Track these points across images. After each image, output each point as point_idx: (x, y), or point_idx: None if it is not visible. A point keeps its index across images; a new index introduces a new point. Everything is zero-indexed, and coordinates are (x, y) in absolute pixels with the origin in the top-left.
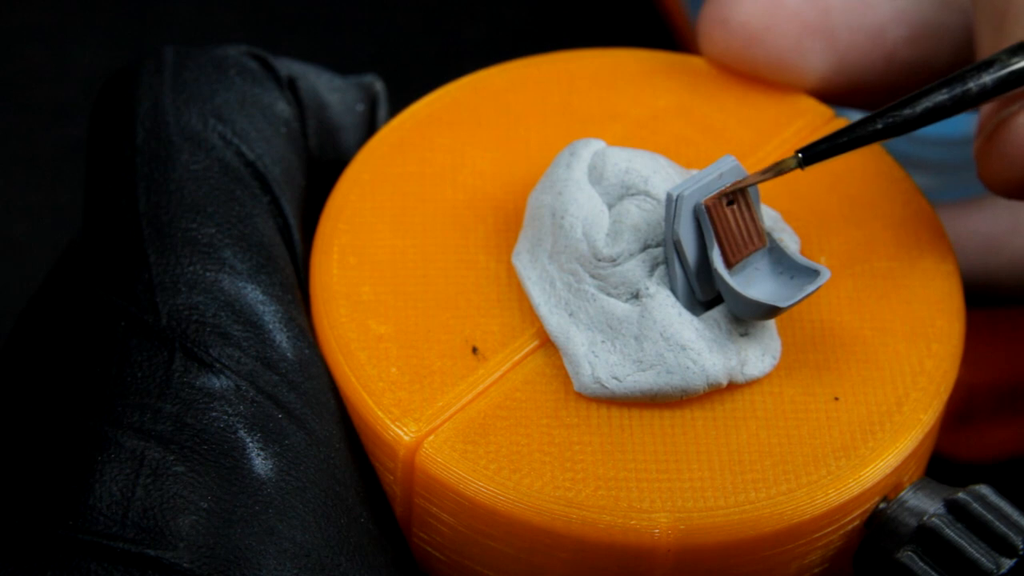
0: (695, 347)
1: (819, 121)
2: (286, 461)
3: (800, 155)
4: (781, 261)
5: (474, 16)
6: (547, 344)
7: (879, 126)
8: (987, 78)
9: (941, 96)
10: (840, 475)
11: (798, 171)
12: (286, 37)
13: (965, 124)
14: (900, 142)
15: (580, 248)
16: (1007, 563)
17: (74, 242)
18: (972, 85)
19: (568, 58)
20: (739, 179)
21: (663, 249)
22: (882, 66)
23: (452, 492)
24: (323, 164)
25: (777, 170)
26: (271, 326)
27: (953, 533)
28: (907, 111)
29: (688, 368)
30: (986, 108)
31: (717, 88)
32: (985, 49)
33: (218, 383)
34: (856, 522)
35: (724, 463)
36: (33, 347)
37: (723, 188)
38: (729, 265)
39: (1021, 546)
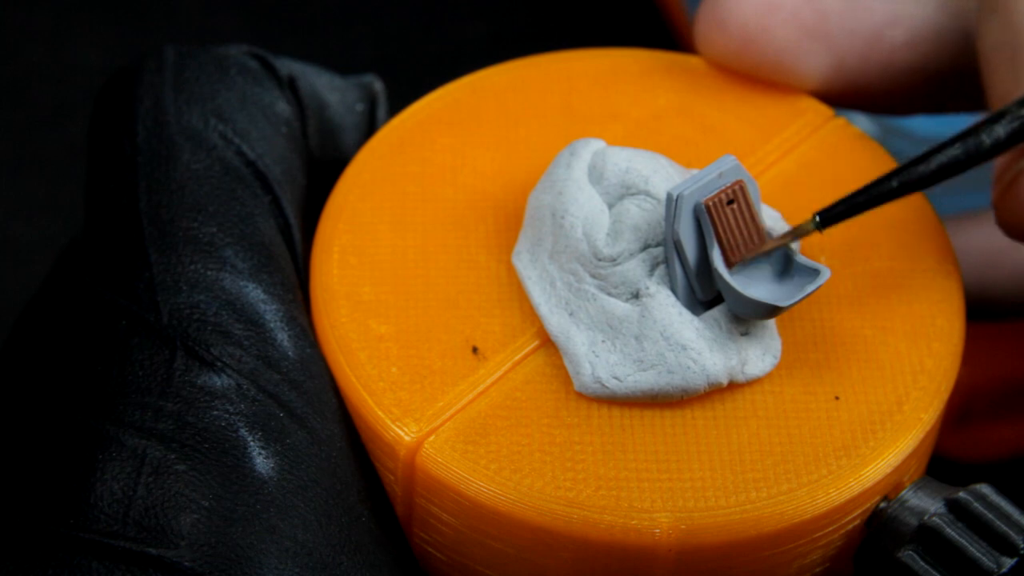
0: (695, 347)
1: (819, 120)
2: (287, 460)
3: (818, 218)
4: (781, 260)
5: (474, 16)
6: (547, 344)
7: (894, 184)
8: (1000, 130)
9: (955, 151)
10: (841, 474)
11: (798, 171)
12: (286, 37)
13: (965, 125)
14: (900, 141)
15: (580, 248)
16: (1008, 562)
17: (75, 241)
18: (985, 138)
19: (568, 58)
20: (747, 185)
21: (663, 249)
22: (880, 68)
23: (453, 492)
24: (323, 164)
25: (796, 234)
26: (272, 325)
27: (954, 532)
28: (922, 167)
29: (689, 368)
30: (1002, 158)
31: (717, 88)
32: (997, 83)
33: (219, 382)
34: (857, 521)
35: (725, 462)
36: (34, 346)
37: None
38: (729, 264)
39: (1022, 545)
